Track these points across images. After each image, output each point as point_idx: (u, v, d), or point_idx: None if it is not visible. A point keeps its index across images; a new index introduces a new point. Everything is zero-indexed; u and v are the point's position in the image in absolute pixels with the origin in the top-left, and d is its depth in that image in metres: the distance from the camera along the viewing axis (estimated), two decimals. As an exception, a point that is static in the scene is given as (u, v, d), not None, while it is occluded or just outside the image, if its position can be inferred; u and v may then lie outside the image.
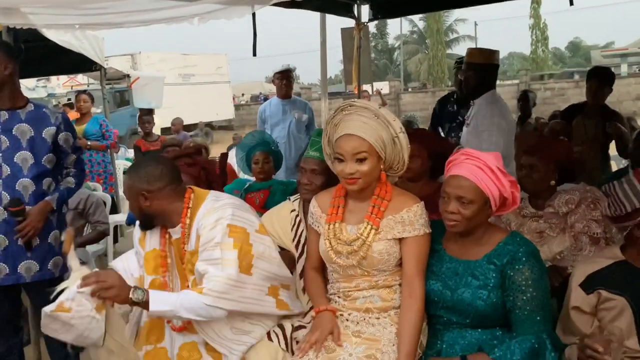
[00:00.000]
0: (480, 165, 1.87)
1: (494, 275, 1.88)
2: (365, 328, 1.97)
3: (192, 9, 2.02)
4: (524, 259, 1.85)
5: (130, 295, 1.89)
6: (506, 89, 22.95)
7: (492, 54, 3.79)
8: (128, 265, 2.27)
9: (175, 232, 2.17)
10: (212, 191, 2.24)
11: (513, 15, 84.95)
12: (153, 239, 2.21)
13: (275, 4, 3.71)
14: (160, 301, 1.92)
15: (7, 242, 2.72)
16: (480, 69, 3.67)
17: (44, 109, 2.87)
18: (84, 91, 6.52)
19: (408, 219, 1.99)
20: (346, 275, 2.06)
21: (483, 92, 3.66)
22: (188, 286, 2.11)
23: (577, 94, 21.39)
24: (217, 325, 2.02)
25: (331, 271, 2.13)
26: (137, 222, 2.29)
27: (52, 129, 2.80)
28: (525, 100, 6.69)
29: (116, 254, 5.49)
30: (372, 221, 2.00)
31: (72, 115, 6.18)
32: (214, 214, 2.06)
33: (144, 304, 1.91)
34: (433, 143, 2.73)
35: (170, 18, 2.13)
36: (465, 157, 1.92)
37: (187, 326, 2.10)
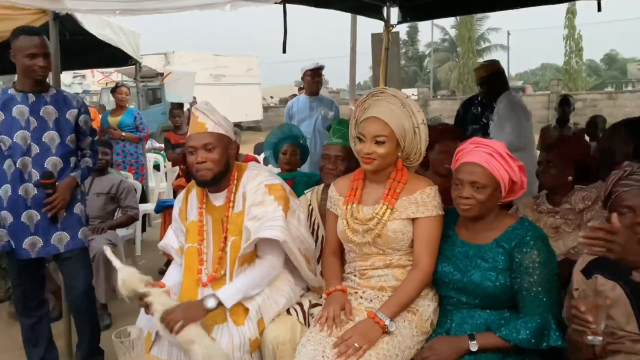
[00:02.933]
0: (490, 152, 1.97)
1: (502, 258, 1.96)
2: (378, 305, 2.06)
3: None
4: (531, 242, 1.92)
5: (207, 307, 2.05)
6: (537, 99, 22.71)
7: (493, 64, 4.51)
8: (168, 240, 2.48)
9: (219, 199, 2.32)
10: (251, 162, 2.44)
11: (547, 26, 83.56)
12: (192, 212, 2.38)
13: (304, 2, 3.85)
14: (231, 295, 2.10)
15: (39, 216, 2.87)
16: (489, 79, 4.34)
17: (64, 93, 3.03)
18: (123, 84, 6.74)
19: (422, 200, 2.10)
20: (362, 254, 2.16)
21: (497, 94, 4.30)
22: (223, 249, 2.26)
23: (609, 105, 21.08)
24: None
25: (348, 251, 2.24)
26: (178, 198, 2.50)
27: (75, 111, 2.97)
28: (567, 104, 6.68)
29: (143, 242, 5.71)
30: (387, 202, 2.11)
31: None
32: (255, 179, 2.28)
33: (220, 306, 2.08)
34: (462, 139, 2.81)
35: (204, 4, 2.28)
36: (475, 145, 2.01)
37: (217, 275, 2.24)
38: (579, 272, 1.94)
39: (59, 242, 2.93)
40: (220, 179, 2.26)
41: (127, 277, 2.11)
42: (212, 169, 2.21)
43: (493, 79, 4.34)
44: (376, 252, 2.13)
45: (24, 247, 2.87)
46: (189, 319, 2.01)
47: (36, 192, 2.85)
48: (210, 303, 2.06)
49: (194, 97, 11.96)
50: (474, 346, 1.89)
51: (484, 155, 1.96)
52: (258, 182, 2.27)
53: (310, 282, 2.34)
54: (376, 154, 2.08)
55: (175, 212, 2.47)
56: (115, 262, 2.21)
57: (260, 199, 2.22)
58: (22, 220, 2.86)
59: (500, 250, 1.97)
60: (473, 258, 2.02)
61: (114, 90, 6.51)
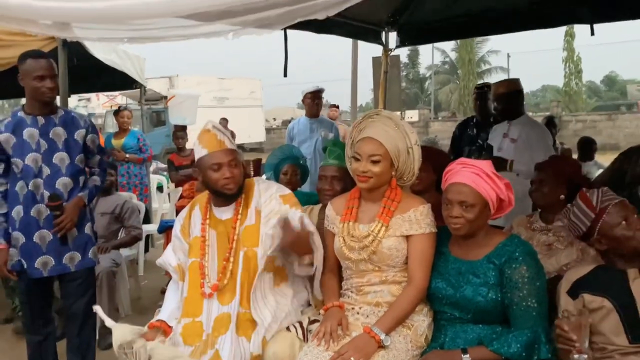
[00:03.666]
0: (477, 172, 2.05)
1: (493, 273, 2.03)
2: (374, 320, 2.11)
3: (227, 25, 2.28)
4: (520, 258, 1.99)
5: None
6: (538, 121, 22.88)
7: (514, 82, 4.28)
8: (167, 258, 2.55)
9: (226, 212, 2.42)
10: (256, 177, 2.62)
11: (546, 48, 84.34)
12: (195, 228, 2.47)
13: (305, 28, 3.98)
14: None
15: (50, 236, 2.95)
16: (507, 98, 4.14)
17: (72, 114, 3.11)
18: (125, 108, 6.88)
19: (415, 218, 2.17)
20: (358, 271, 2.23)
21: (516, 115, 4.14)
22: (227, 260, 2.34)
23: (608, 126, 21.23)
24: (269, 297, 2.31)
25: (345, 268, 2.31)
26: (180, 215, 2.59)
27: (83, 131, 3.05)
28: (552, 125, 6.82)
29: (146, 262, 5.77)
30: (382, 219, 2.19)
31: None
32: (266, 192, 2.43)
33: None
34: (437, 158, 2.90)
35: (208, 33, 2.40)
36: (462, 165, 2.09)
37: (220, 285, 2.30)
38: (565, 293, 2.02)
39: (70, 262, 3.00)
40: (241, 192, 2.40)
41: (121, 334, 2.23)
42: (239, 182, 2.37)
43: (511, 97, 4.15)
44: (372, 268, 2.20)
45: (36, 266, 2.94)
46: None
47: (48, 213, 2.92)
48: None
49: (225, 120, 12.30)
50: (466, 360, 1.95)
51: (471, 175, 2.04)
52: (270, 194, 2.42)
53: (316, 290, 2.39)
54: (371, 172, 2.16)
55: (176, 229, 2.54)
56: (108, 321, 2.34)
57: (277, 209, 2.36)
58: (34, 240, 2.92)
59: (491, 266, 2.04)
60: (465, 274, 2.08)
61: (116, 114, 6.65)
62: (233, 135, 10.55)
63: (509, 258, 2.00)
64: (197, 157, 2.40)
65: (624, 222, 1.98)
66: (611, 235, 2.00)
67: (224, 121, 12.29)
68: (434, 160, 2.85)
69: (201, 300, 2.33)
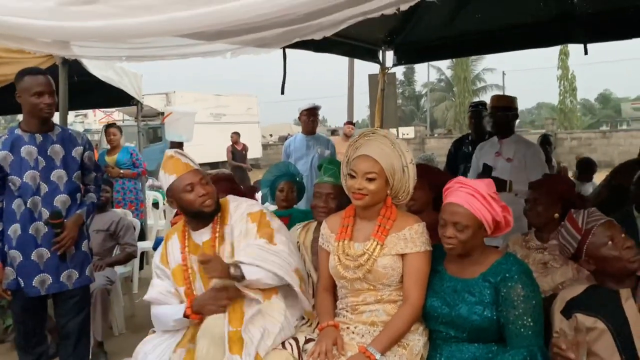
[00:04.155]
0: (473, 193, 2.05)
1: (488, 292, 2.03)
2: (370, 340, 2.10)
3: (225, 45, 2.30)
4: (516, 276, 1.99)
5: (231, 272, 2.20)
6: (532, 137, 23.03)
7: (511, 99, 4.25)
8: (160, 288, 2.44)
9: (204, 234, 2.40)
10: (229, 195, 2.56)
11: (541, 66, 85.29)
12: (175, 257, 2.44)
13: (303, 47, 4.02)
14: (250, 272, 2.23)
15: (48, 254, 2.93)
16: (503, 111, 4.09)
17: (69, 131, 3.12)
18: (113, 124, 6.88)
19: (410, 236, 2.18)
20: (354, 290, 2.22)
21: (509, 132, 4.10)
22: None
23: (603, 144, 21.36)
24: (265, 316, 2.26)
25: (340, 287, 2.30)
26: (160, 246, 2.54)
27: (80, 149, 3.07)
28: (548, 143, 6.85)
29: (141, 280, 5.72)
30: (378, 238, 2.19)
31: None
32: (237, 211, 2.41)
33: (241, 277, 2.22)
34: (433, 176, 2.90)
35: (206, 52, 2.42)
36: (460, 185, 2.10)
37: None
38: (559, 312, 2.01)
39: (68, 280, 2.98)
40: (218, 210, 2.39)
41: None
42: (214, 198, 2.36)
43: (511, 111, 4.10)
44: (367, 287, 2.19)
45: (33, 284, 2.92)
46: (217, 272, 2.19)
47: (46, 231, 2.91)
48: (235, 271, 2.20)
49: (237, 134, 12.22)
50: (462, 380, 1.94)
51: (467, 196, 2.05)
52: (240, 213, 2.41)
53: (304, 304, 2.38)
54: (367, 190, 2.17)
55: (156, 258, 2.50)
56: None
57: (245, 231, 2.36)
58: (31, 258, 2.90)
59: (486, 284, 2.04)
60: (460, 292, 2.08)
61: (105, 131, 6.67)
62: (245, 148, 10.56)
63: (505, 277, 2.00)
64: (166, 186, 2.36)
65: (610, 242, 2.00)
66: (598, 256, 2.01)
67: (236, 135, 12.26)
68: (431, 178, 2.85)
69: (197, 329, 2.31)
